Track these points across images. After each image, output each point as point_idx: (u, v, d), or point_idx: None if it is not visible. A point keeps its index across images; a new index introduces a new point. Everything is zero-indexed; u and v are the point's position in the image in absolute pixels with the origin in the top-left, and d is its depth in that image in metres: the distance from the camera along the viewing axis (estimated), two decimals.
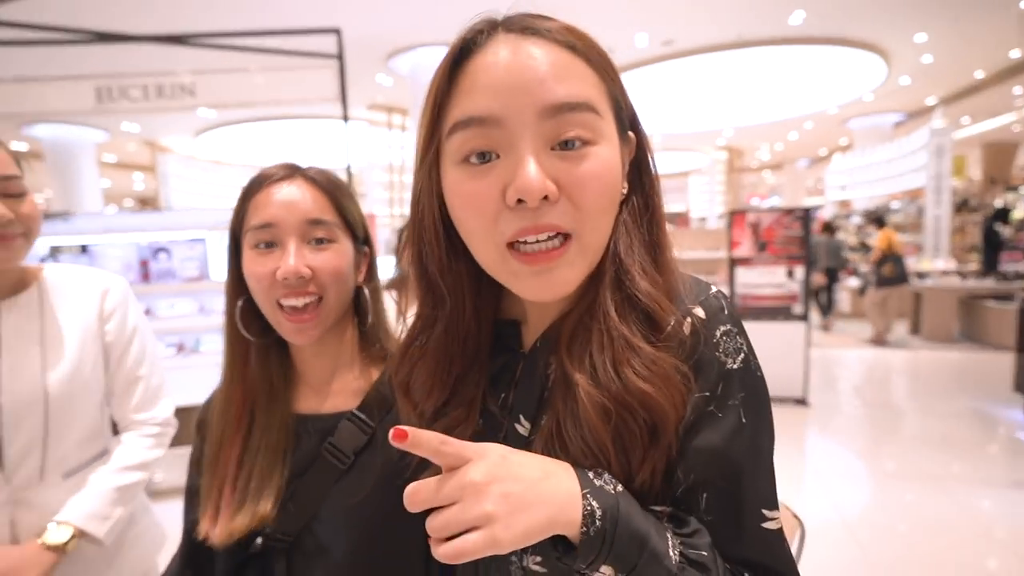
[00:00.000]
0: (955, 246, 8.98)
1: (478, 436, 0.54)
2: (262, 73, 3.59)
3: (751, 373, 0.49)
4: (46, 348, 0.98)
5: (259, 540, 0.75)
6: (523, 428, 0.53)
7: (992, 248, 7.28)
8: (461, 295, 0.54)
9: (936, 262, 7.75)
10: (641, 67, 8.28)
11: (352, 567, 0.74)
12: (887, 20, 7.08)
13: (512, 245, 0.46)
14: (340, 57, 3.44)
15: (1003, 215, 7.80)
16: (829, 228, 7.44)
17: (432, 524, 0.41)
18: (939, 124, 8.70)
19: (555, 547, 0.43)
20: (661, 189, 0.54)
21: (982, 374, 5.20)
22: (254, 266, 0.72)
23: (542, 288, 0.48)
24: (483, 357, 0.57)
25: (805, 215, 4.14)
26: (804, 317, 4.25)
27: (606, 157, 0.46)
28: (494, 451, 0.43)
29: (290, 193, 0.72)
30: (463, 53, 0.47)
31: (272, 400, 0.77)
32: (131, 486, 1.03)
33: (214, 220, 3.29)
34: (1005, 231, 7.56)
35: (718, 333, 0.48)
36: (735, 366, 0.48)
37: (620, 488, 0.45)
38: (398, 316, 0.61)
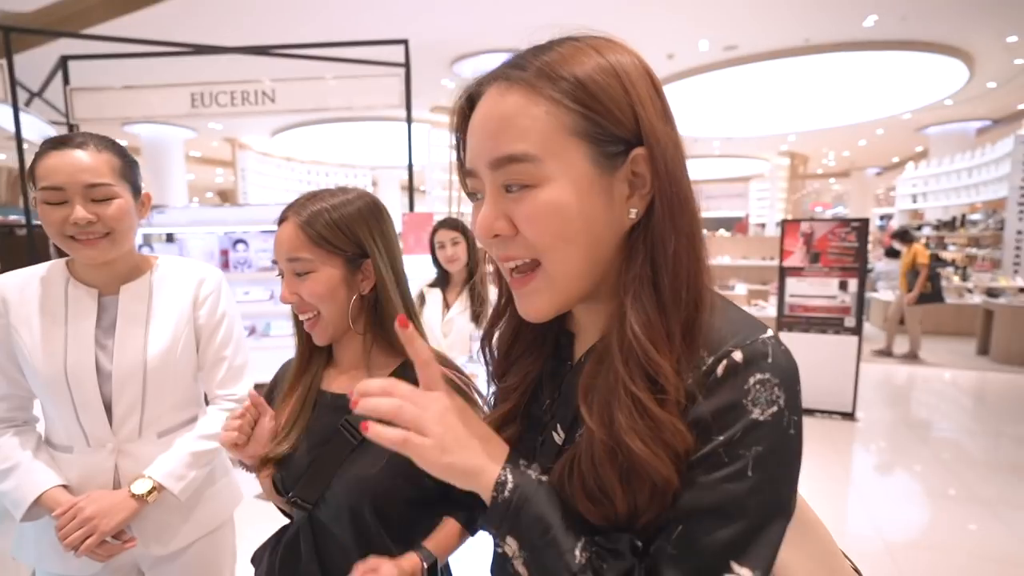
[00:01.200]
0: None
1: (517, 429, 0.61)
2: (335, 81, 3.81)
3: (779, 429, 0.46)
4: (149, 328, 1.13)
5: (291, 495, 0.87)
6: (559, 437, 0.57)
7: None
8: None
9: (1015, 279, 7.15)
10: (702, 73, 8.08)
11: (357, 535, 0.85)
12: (973, 22, 6.58)
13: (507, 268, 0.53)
14: (407, 66, 3.60)
15: None
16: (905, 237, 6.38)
17: (382, 407, 0.48)
18: None
19: (483, 511, 0.50)
20: (679, 211, 0.49)
21: None
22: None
23: (523, 308, 0.54)
24: (546, 348, 0.62)
25: (863, 226, 3.95)
26: (856, 331, 4.07)
27: (545, 197, 0.48)
28: (459, 400, 0.52)
29: (281, 232, 0.88)
30: (469, 104, 0.53)
31: (305, 372, 0.93)
32: (206, 452, 1.16)
33: None
34: None
35: (752, 380, 0.46)
36: (761, 417, 0.45)
37: (545, 480, 0.51)
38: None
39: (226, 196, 18.34)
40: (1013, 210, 8.03)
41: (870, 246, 5.91)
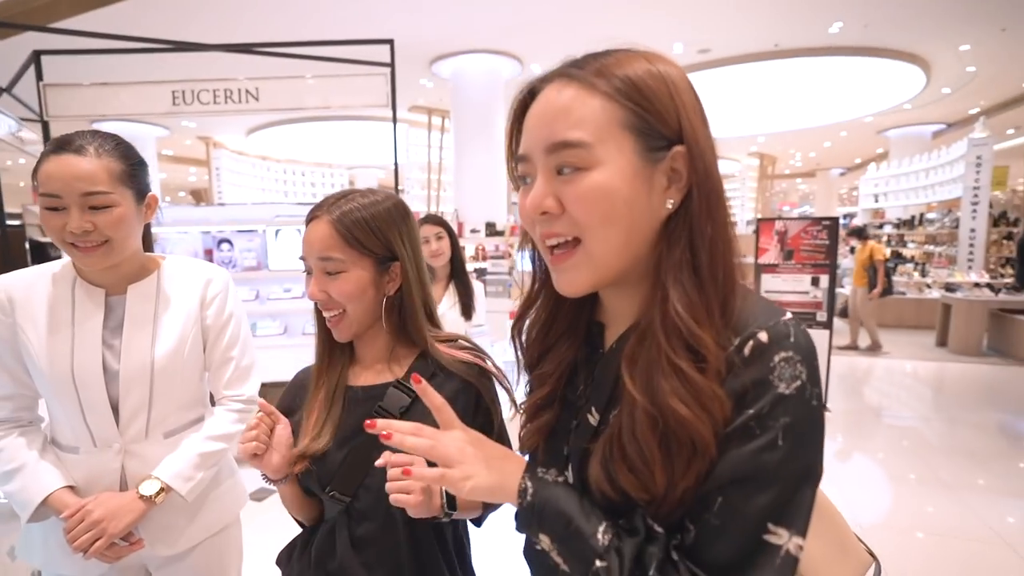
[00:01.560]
0: (990, 259, 8.64)
1: (554, 415, 0.65)
2: (320, 80, 3.76)
3: (804, 402, 0.49)
4: (156, 327, 1.12)
5: (329, 490, 0.87)
6: (593, 419, 0.60)
7: None
8: (549, 285, 0.64)
9: (969, 274, 7.49)
10: None
11: (395, 519, 0.86)
12: (929, 31, 6.87)
13: (547, 246, 0.58)
14: (392, 66, 3.59)
15: None
16: (861, 234, 6.69)
17: (421, 446, 0.57)
18: (979, 135, 8.37)
19: (516, 518, 0.57)
20: (715, 203, 0.54)
21: (1010, 388, 5.05)
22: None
23: (562, 284, 0.58)
24: (579, 335, 0.66)
25: (833, 224, 4.10)
26: (828, 324, 4.22)
27: (595, 180, 0.52)
28: (472, 432, 0.60)
29: (312, 231, 0.87)
30: (530, 96, 0.58)
31: (328, 369, 0.94)
32: (213, 454, 1.14)
33: (272, 214, 3.49)
34: None
35: (777, 358, 0.50)
36: (787, 391, 0.49)
37: (562, 480, 0.58)
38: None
39: (199, 196, 17.86)
40: (967, 209, 8.41)
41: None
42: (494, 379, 0.94)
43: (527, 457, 0.67)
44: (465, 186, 7.77)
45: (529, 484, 0.55)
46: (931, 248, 9.60)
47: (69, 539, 0.99)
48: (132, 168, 1.07)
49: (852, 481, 3.29)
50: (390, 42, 3.55)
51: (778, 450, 0.49)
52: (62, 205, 0.99)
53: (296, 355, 3.14)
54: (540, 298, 0.67)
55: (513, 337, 0.71)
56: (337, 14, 5.93)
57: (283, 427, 0.86)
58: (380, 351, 0.94)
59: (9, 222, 3.31)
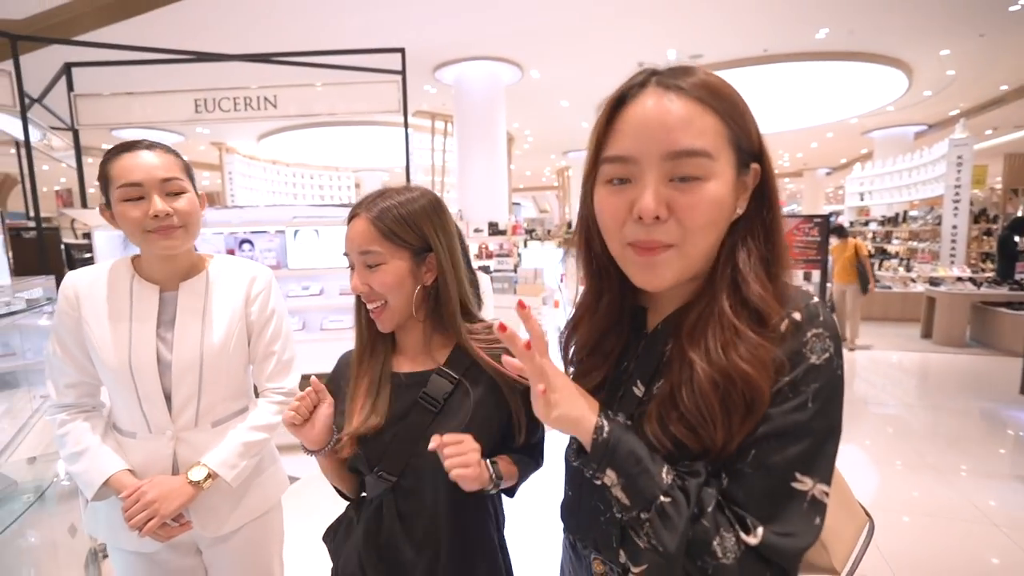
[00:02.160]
0: (971, 254, 8.70)
1: (603, 393, 0.68)
2: (333, 87, 3.79)
3: (831, 370, 0.55)
4: (205, 322, 1.15)
5: (377, 470, 0.90)
6: (638, 390, 0.65)
7: (1007, 258, 7.02)
8: (612, 277, 0.68)
9: (952, 269, 7.55)
10: None
11: (441, 496, 0.89)
12: (911, 37, 6.91)
13: (630, 244, 0.60)
14: (403, 73, 3.61)
15: (1021, 225, 7.52)
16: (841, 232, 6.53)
17: (536, 362, 0.57)
18: (960, 136, 8.42)
19: (577, 454, 0.60)
20: (781, 212, 0.62)
21: (991, 377, 5.10)
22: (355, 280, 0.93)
23: (647, 279, 0.60)
24: (624, 327, 0.70)
25: (823, 222, 4.14)
26: None
27: (712, 190, 0.56)
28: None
29: (353, 228, 0.90)
30: (621, 100, 0.59)
31: (372, 357, 0.97)
32: (256, 443, 1.18)
33: (290, 216, 3.52)
34: (1023, 242, 7.29)
35: (809, 334, 0.55)
36: (818, 362, 0.55)
37: (629, 424, 0.61)
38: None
39: (212, 199, 17.84)
40: (948, 207, 8.45)
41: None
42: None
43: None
44: (468, 188, 7.80)
45: (605, 423, 0.58)
46: (915, 244, 9.65)
47: (126, 517, 1.04)
48: (188, 167, 1.15)
49: (839, 466, 3.32)
50: (401, 51, 3.58)
51: (807, 410, 0.54)
52: (142, 194, 1.05)
53: (314, 350, 3.17)
54: (594, 299, 0.71)
55: (564, 348, 0.75)
56: (346, 24, 5.95)
57: (327, 405, 0.90)
58: (419, 340, 0.97)
59: (43, 226, 3.33)
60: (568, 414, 0.58)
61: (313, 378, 0.92)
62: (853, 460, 3.44)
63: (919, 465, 3.26)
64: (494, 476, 0.84)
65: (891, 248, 10.05)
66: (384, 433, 0.91)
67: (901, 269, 8.64)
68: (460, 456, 0.78)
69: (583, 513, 0.71)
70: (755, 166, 0.60)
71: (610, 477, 0.57)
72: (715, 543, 0.53)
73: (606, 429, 0.57)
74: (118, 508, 1.08)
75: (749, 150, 0.59)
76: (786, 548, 0.54)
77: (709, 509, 0.54)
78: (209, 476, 1.10)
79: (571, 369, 0.75)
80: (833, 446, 0.57)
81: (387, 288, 0.89)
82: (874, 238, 10.33)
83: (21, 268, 3.32)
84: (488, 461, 0.86)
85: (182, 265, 1.16)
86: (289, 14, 5.69)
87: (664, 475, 0.56)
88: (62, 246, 3.29)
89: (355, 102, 3.70)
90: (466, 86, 7.78)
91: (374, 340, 0.97)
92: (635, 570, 0.57)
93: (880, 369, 5.61)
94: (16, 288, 1.51)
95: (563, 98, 9.75)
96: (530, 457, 0.97)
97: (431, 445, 0.77)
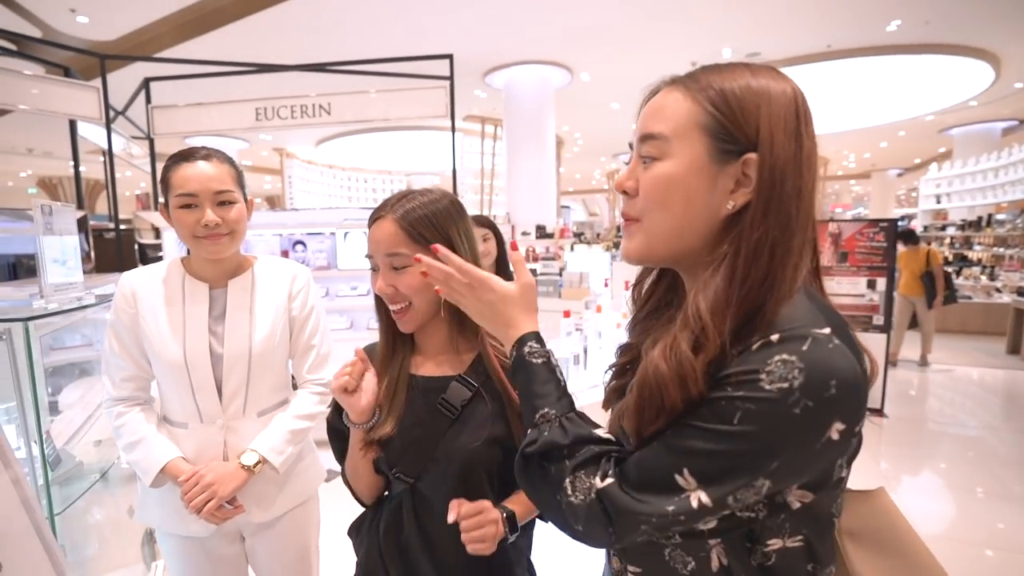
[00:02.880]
0: None
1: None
2: (384, 93, 3.90)
3: (782, 403, 0.48)
4: (253, 317, 1.21)
5: (395, 472, 0.91)
6: None
7: None
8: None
9: None
10: None
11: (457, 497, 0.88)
12: (997, 23, 6.34)
13: None
14: (451, 79, 3.67)
15: None
16: (910, 238, 5.79)
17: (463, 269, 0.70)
18: None
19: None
20: (784, 222, 0.54)
21: None
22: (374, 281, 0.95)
23: (623, 249, 0.66)
24: (669, 307, 0.74)
25: (890, 226, 3.86)
26: (885, 328, 3.97)
27: (661, 169, 0.59)
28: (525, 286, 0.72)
29: (378, 230, 0.90)
30: (652, 94, 0.64)
31: (392, 359, 0.97)
32: (301, 431, 1.23)
33: (340, 218, 3.65)
34: None
35: (776, 358, 0.49)
36: (768, 387, 0.48)
37: (550, 363, 0.67)
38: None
39: (273, 202, 18.85)
40: None
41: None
42: None
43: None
44: (516, 191, 7.84)
45: (535, 342, 0.67)
46: (1000, 251, 8.83)
47: (185, 500, 1.09)
48: (240, 174, 1.21)
49: (913, 491, 3.08)
50: (449, 57, 3.64)
51: (731, 426, 0.50)
52: (197, 203, 1.12)
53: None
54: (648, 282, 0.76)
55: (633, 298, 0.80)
56: (397, 32, 6.12)
57: (372, 374, 0.91)
58: (442, 343, 0.96)
59: (121, 227, 3.63)
60: (506, 315, 0.70)
61: (357, 348, 0.93)
62: (927, 486, 3.18)
63: (1004, 494, 2.96)
64: (509, 533, 0.84)
65: (971, 254, 9.24)
66: (401, 437, 0.91)
67: (984, 278, 7.92)
68: (479, 530, 0.79)
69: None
70: (750, 155, 0.55)
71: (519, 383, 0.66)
72: (567, 480, 0.57)
73: (515, 354, 0.68)
74: (170, 494, 1.14)
75: (740, 140, 0.55)
76: (626, 504, 0.53)
77: (581, 454, 0.58)
78: (260, 461, 1.15)
79: None
80: (746, 478, 0.50)
81: (413, 290, 0.89)
82: (952, 243, 9.54)
83: (102, 266, 3.61)
84: (504, 514, 0.85)
85: (229, 265, 1.23)
86: (344, 25, 5.92)
87: (557, 403, 0.63)
88: (136, 246, 3.58)
89: (405, 107, 3.79)
90: (516, 90, 7.83)
91: (394, 342, 0.97)
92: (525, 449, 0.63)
93: (959, 387, 5.15)
94: (90, 284, 1.63)
95: (613, 100, 9.62)
96: None
97: (449, 517, 0.80)
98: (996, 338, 6.76)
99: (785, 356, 0.48)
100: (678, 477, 0.52)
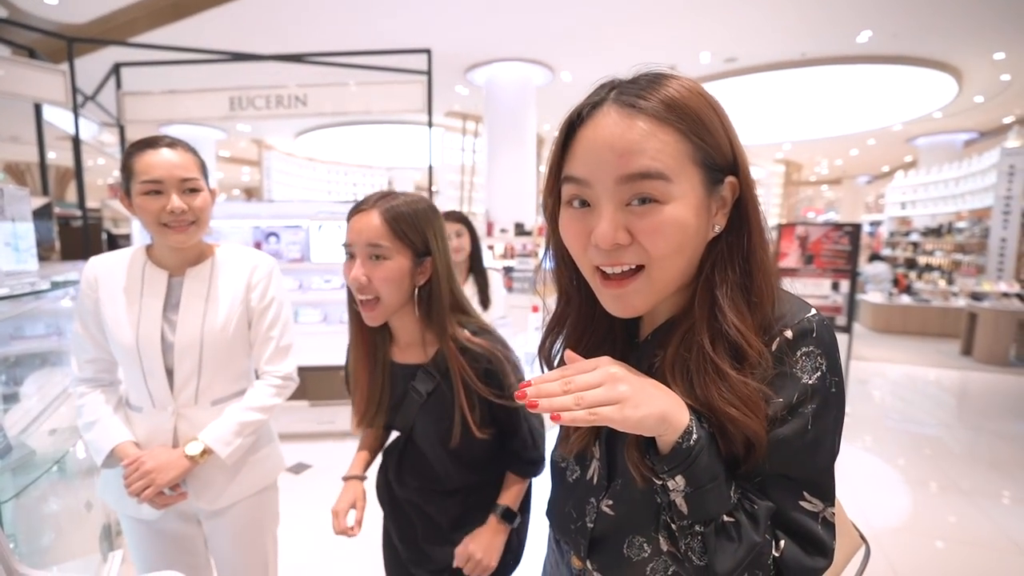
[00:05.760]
0: (1021, 269, 8.19)
1: None
2: (361, 86, 3.87)
3: (825, 389, 0.53)
4: (208, 306, 1.20)
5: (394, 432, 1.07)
6: None
7: None
8: (583, 295, 0.64)
9: (998, 284, 7.13)
10: (703, 83, 8.08)
11: (445, 454, 1.02)
12: (962, 39, 6.56)
13: (598, 268, 0.56)
14: (429, 73, 3.66)
15: None
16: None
17: (586, 398, 0.48)
18: (1013, 144, 7.95)
19: (647, 452, 0.53)
20: (763, 229, 0.57)
21: None
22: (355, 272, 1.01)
23: (617, 308, 0.57)
24: (617, 336, 0.65)
25: (855, 231, 3.98)
26: (848, 329, 4.10)
27: (671, 214, 0.52)
28: (621, 363, 0.52)
29: (361, 220, 0.93)
30: (578, 120, 0.55)
31: (371, 349, 1.05)
32: (252, 423, 1.21)
33: (314, 211, 3.61)
34: None
35: (799, 353, 0.53)
36: (810, 381, 0.52)
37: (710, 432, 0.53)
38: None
39: (251, 193, 18.49)
40: (998, 219, 8.00)
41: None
42: (506, 363, 1.01)
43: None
44: (496, 188, 7.83)
45: (694, 426, 0.51)
46: (959, 256, 9.17)
47: (125, 484, 1.10)
48: (203, 164, 1.21)
49: (869, 485, 3.18)
50: (427, 51, 3.62)
51: (808, 433, 0.53)
52: (163, 189, 1.11)
53: (335, 341, 3.25)
54: (571, 315, 0.66)
55: (541, 359, 0.70)
56: (378, 25, 6.05)
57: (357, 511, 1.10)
58: (412, 333, 1.03)
59: (89, 215, 3.53)
60: (653, 413, 0.48)
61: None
62: (883, 480, 3.28)
63: (955, 489, 3.08)
64: (508, 524, 1.01)
65: (933, 260, 9.57)
66: (391, 412, 1.06)
67: (942, 282, 8.22)
68: (484, 571, 0.96)
69: (560, 516, 0.71)
70: (731, 179, 0.55)
71: (677, 483, 0.51)
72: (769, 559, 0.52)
73: (694, 435, 0.50)
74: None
75: (723, 164, 0.55)
76: (804, 564, 0.52)
77: (767, 534, 0.52)
78: (205, 451, 1.15)
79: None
80: (833, 466, 0.55)
81: (386, 283, 0.93)
82: (914, 248, 9.86)
83: (68, 254, 3.51)
84: (499, 511, 1.02)
85: (191, 253, 1.22)
86: (323, 16, 5.83)
87: (732, 493, 0.52)
88: (103, 234, 3.48)
89: (383, 101, 3.76)
90: (497, 87, 7.81)
91: (373, 331, 1.04)
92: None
93: (917, 386, 5.34)
94: (49, 272, 1.59)
95: None
96: (531, 464, 1.06)
97: (455, 562, 0.98)
98: (951, 340, 7.03)
99: (805, 348, 0.53)
100: (803, 503, 0.54)
